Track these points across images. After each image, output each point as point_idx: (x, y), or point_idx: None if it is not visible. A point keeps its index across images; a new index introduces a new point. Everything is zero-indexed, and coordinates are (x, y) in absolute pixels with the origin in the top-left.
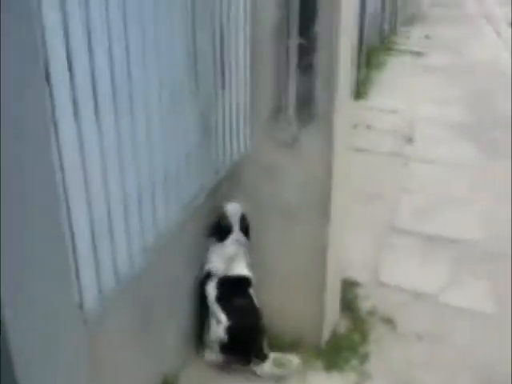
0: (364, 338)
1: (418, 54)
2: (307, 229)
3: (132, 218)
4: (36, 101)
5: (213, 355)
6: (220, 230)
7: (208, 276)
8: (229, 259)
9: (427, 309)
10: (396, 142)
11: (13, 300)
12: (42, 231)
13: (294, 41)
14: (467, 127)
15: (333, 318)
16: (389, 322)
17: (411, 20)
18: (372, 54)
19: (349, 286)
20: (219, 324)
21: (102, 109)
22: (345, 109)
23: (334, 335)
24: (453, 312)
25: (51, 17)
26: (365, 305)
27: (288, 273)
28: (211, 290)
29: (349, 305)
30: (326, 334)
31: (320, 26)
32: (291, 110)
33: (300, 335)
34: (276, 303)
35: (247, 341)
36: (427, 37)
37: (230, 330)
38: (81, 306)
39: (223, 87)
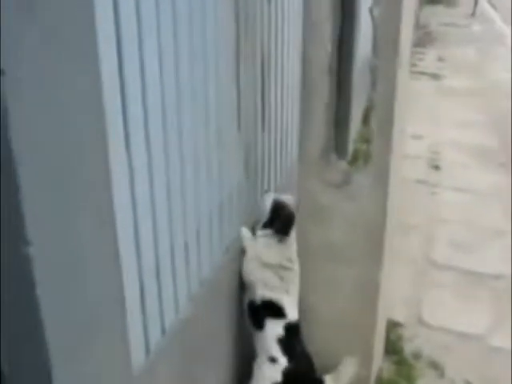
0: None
1: (435, 76)
2: (359, 271)
3: (179, 266)
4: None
5: None
6: None
7: (265, 307)
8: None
9: (474, 351)
10: (423, 169)
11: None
12: (102, 291)
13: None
14: (493, 152)
15: (378, 361)
16: (435, 366)
17: (422, 41)
18: None
19: (391, 327)
20: (275, 365)
21: (154, 152)
22: (399, 147)
23: (380, 380)
24: (500, 354)
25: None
26: (409, 347)
27: (336, 316)
28: (272, 328)
29: (392, 347)
30: (372, 379)
31: (379, 63)
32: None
33: None
34: (323, 348)
35: None
36: (441, 59)
37: (288, 373)
38: (129, 363)
39: (263, 128)
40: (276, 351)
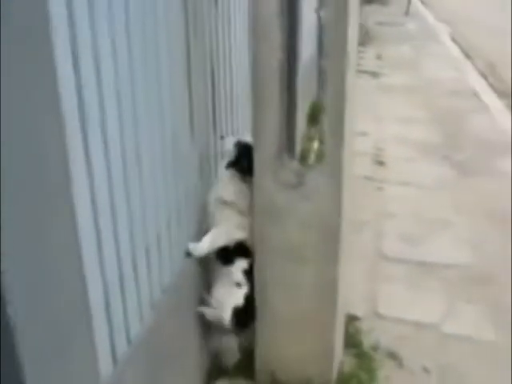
0: (372, 375)
1: (374, 74)
2: (316, 269)
3: (141, 273)
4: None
5: None
6: None
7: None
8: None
9: (429, 339)
10: (368, 166)
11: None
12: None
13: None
14: (436, 147)
15: (339, 356)
16: (394, 356)
17: (361, 40)
18: None
19: (349, 321)
20: (240, 289)
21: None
22: (351, 146)
23: (342, 374)
24: (454, 341)
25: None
26: (367, 340)
27: (296, 314)
28: (239, 263)
29: (351, 340)
30: (334, 374)
31: (328, 64)
32: (296, 149)
33: (309, 376)
34: (283, 346)
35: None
36: (379, 57)
37: (248, 298)
38: (97, 374)
39: (215, 133)
40: (241, 279)
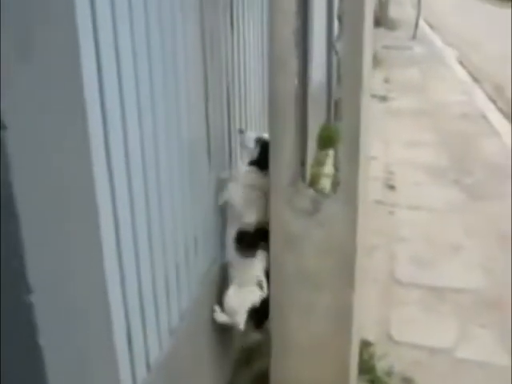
0: None
1: (383, 98)
2: (331, 294)
3: (161, 301)
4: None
5: None
6: None
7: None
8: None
9: (443, 364)
10: (379, 190)
11: None
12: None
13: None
14: (445, 170)
15: (353, 381)
16: (408, 381)
17: None
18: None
19: (363, 346)
20: (261, 291)
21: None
22: (366, 173)
23: None
24: (468, 366)
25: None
26: (381, 365)
27: (311, 340)
28: (262, 258)
29: (365, 366)
30: None
31: (344, 94)
32: (307, 173)
33: None
34: (298, 371)
35: None
36: (387, 80)
37: (264, 302)
38: None
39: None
40: (264, 279)
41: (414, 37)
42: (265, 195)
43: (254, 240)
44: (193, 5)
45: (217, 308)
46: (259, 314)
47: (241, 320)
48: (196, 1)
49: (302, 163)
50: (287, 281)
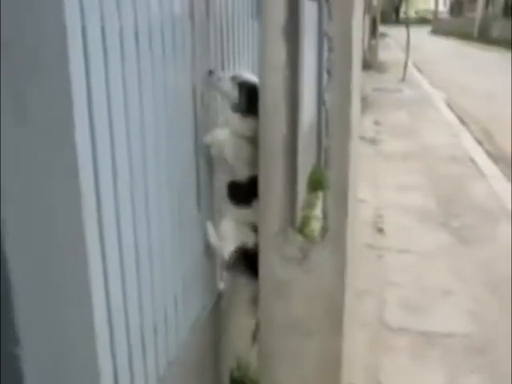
0: None
1: (373, 140)
2: (320, 341)
3: (149, 349)
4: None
5: None
6: None
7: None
8: None
9: None
10: (368, 233)
11: None
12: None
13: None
14: (434, 213)
15: None
16: None
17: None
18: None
19: None
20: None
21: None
22: (355, 220)
23: None
24: None
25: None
26: None
27: None
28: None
29: None
30: None
31: (331, 148)
32: (298, 216)
33: None
34: None
35: None
36: (376, 123)
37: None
38: None
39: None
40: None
41: (403, 79)
42: (254, 142)
43: (248, 191)
44: (184, 62)
45: (211, 228)
46: (250, 259)
47: (228, 249)
48: (187, 60)
49: (292, 208)
50: (276, 328)
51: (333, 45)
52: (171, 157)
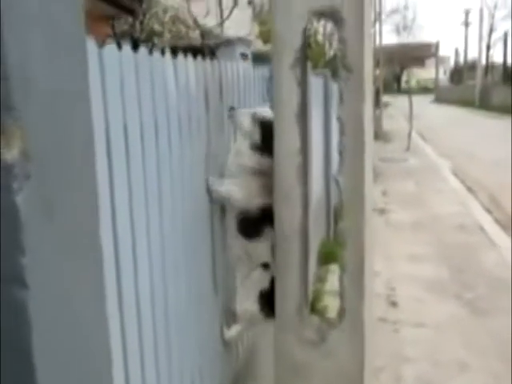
0: None
1: (382, 211)
2: None
3: None
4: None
5: None
6: None
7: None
8: None
9: None
10: (381, 307)
11: None
12: None
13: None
14: (446, 285)
15: None
16: None
17: None
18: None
19: None
20: (267, 272)
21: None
22: (372, 302)
23: None
24: None
25: None
26: None
27: None
28: (267, 236)
29: None
30: None
31: (347, 228)
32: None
33: None
34: None
35: None
36: (384, 193)
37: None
38: None
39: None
40: (269, 258)
41: (407, 149)
42: (266, 174)
43: (259, 222)
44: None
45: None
46: (270, 298)
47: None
48: (202, 142)
49: (305, 285)
50: None
51: (345, 129)
52: (188, 256)
